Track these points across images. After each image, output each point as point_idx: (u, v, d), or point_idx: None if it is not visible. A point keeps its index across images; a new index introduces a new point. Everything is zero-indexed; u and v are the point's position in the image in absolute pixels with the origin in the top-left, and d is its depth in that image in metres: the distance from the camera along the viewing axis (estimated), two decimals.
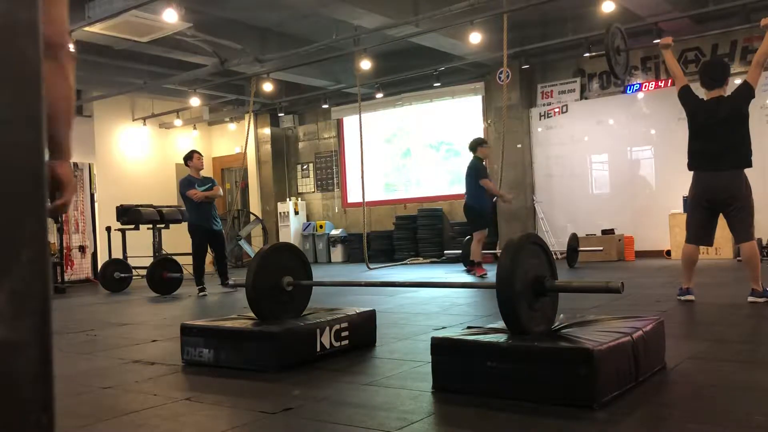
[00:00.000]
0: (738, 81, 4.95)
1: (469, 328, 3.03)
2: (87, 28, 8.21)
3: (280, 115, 14.07)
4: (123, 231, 9.97)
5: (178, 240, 10.90)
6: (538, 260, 2.73)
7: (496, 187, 8.63)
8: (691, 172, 4.98)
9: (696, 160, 4.93)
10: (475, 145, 8.50)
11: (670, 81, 10.07)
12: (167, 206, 10.53)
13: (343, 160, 13.88)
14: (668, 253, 9.80)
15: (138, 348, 4.10)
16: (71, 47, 1.56)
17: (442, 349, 2.65)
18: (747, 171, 4.83)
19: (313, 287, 3.84)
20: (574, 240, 9.12)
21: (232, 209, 14.61)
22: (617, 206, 10.57)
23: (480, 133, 12.07)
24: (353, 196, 13.48)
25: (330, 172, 14.00)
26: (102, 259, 10.08)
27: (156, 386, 3.02)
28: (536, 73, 11.40)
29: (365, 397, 2.65)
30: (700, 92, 5.04)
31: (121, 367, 3.51)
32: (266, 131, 14.43)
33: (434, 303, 5.65)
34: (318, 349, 3.32)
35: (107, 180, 12.58)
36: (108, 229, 10.18)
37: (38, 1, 0.62)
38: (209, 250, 7.98)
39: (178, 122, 13.74)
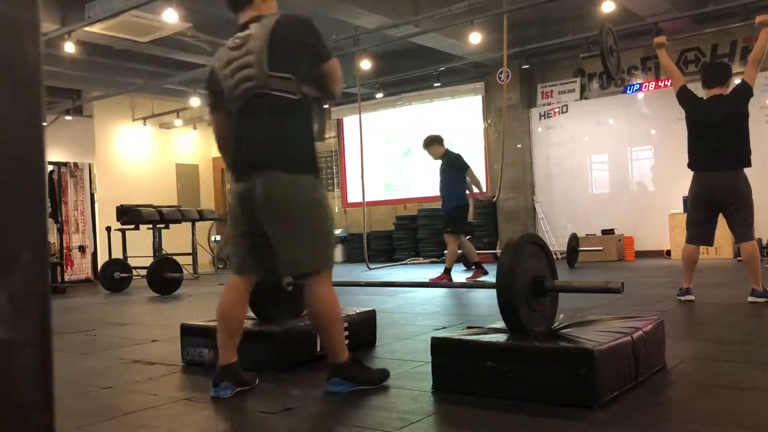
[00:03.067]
0: (738, 81, 4.96)
1: (469, 328, 3.03)
2: (87, 28, 8.21)
3: None
4: (123, 231, 9.96)
5: (178, 240, 10.90)
6: (538, 260, 2.73)
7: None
8: (691, 172, 4.98)
9: (696, 159, 4.93)
10: None
11: (669, 81, 10.06)
12: (167, 206, 10.52)
13: (343, 160, 13.88)
14: (668, 253, 9.80)
15: (138, 348, 4.10)
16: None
17: (442, 349, 2.65)
18: (747, 170, 4.83)
19: None
20: (574, 240, 9.12)
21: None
22: (617, 206, 10.58)
23: (480, 133, 12.09)
24: (353, 196, 13.48)
25: (330, 172, 14.00)
26: (102, 259, 10.07)
27: (156, 386, 3.02)
28: (536, 73, 11.40)
29: (365, 397, 2.65)
30: (700, 92, 5.05)
31: (121, 367, 3.51)
32: None
33: (434, 303, 5.65)
34: (318, 349, 3.32)
35: (107, 180, 12.58)
36: (108, 229, 10.18)
37: (38, 1, 0.62)
38: None
39: (178, 122, 13.74)
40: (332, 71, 2.65)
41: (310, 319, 2.79)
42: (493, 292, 2.67)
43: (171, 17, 7.68)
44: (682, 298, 4.95)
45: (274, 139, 2.56)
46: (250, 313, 3.54)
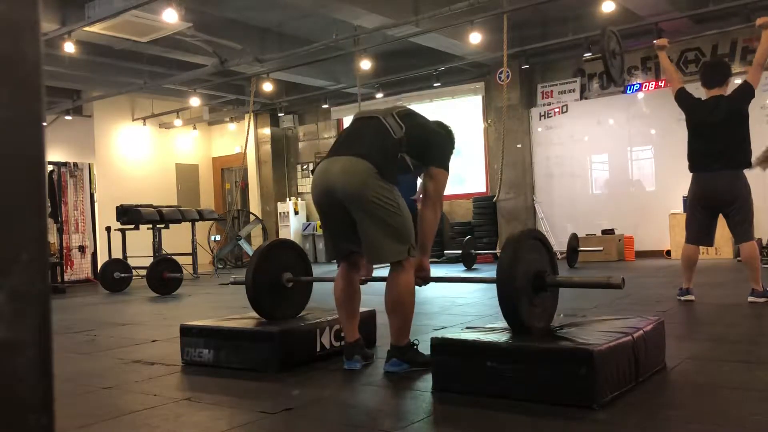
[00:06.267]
0: (738, 81, 4.96)
1: (469, 328, 3.03)
2: (87, 28, 8.20)
3: (280, 115, 14.07)
4: (123, 231, 9.96)
5: (178, 240, 10.90)
6: (538, 255, 2.73)
7: None
8: (691, 172, 4.99)
9: (695, 160, 4.93)
10: None
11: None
12: (167, 206, 10.52)
13: None
14: (668, 253, 9.79)
15: (138, 348, 4.10)
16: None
17: (442, 349, 2.65)
18: (747, 171, 4.84)
19: (314, 286, 3.84)
20: (574, 240, 9.11)
21: (231, 209, 14.61)
22: (617, 206, 10.57)
23: (480, 133, 12.09)
24: None
25: None
26: (102, 259, 10.07)
27: (156, 386, 3.02)
28: (536, 73, 11.39)
29: (365, 397, 2.65)
30: (700, 92, 5.05)
31: (121, 367, 3.51)
32: (266, 131, 14.42)
33: (434, 303, 5.65)
34: (318, 349, 3.32)
35: (107, 180, 12.58)
36: (108, 229, 10.18)
37: (38, 1, 0.62)
38: None
39: (178, 122, 13.74)
40: (435, 175, 3.10)
41: (385, 301, 3.02)
42: (492, 292, 2.67)
43: (171, 17, 7.68)
44: (682, 298, 4.95)
45: (365, 144, 2.99)
46: (251, 313, 3.55)
